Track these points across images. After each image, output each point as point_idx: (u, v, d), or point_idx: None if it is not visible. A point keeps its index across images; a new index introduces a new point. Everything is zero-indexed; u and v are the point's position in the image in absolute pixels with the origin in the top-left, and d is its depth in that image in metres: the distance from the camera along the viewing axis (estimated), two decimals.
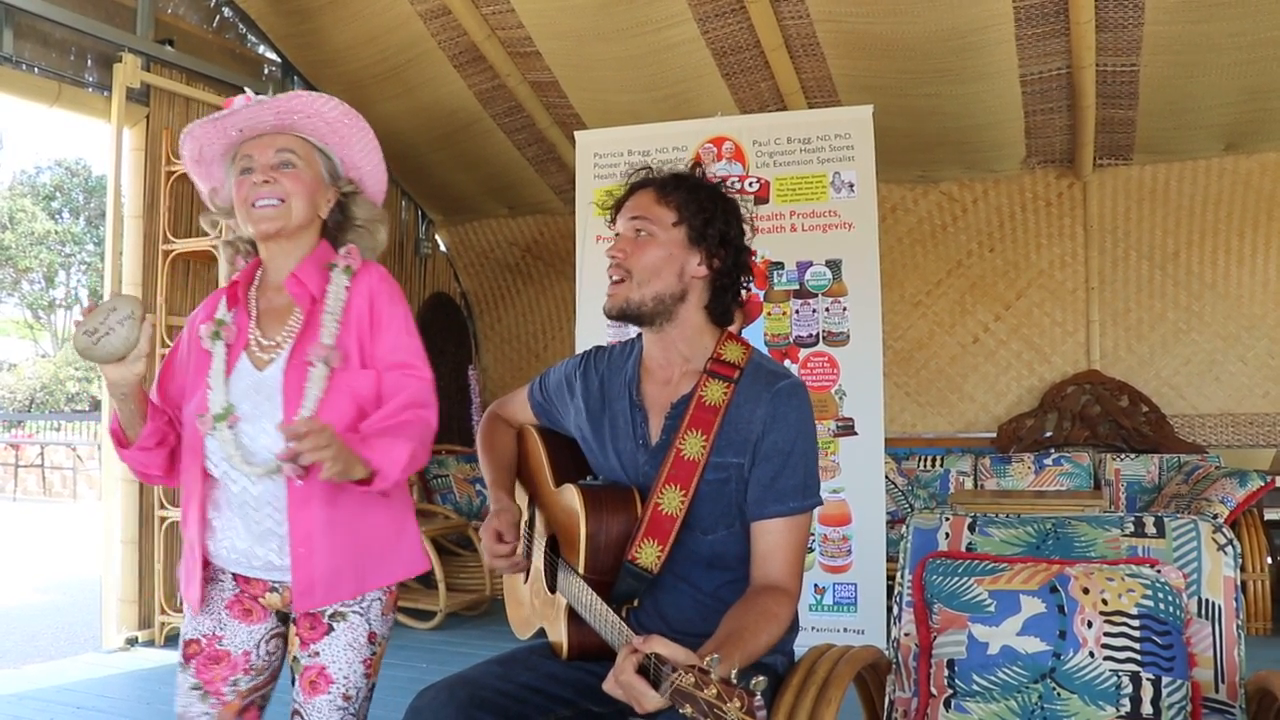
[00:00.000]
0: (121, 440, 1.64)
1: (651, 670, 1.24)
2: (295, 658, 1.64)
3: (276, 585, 1.62)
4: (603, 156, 4.35)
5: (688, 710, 1.15)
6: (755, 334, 4.04)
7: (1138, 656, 1.63)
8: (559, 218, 6.52)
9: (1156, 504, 5.02)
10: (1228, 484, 4.53)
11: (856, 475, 3.94)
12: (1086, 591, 1.69)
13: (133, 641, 4.34)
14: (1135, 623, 1.65)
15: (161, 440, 1.64)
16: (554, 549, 1.74)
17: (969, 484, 5.43)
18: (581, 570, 1.58)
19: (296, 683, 1.63)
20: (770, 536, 1.57)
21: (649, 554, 1.58)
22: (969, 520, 1.96)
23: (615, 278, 1.65)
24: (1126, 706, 1.60)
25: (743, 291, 1.72)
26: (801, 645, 1.72)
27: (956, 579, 1.79)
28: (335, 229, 1.73)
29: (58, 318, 25.93)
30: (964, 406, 6.00)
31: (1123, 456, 5.34)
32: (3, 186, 24.08)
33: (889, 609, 2.57)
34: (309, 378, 1.56)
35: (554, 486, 1.77)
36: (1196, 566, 1.77)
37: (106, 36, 4.34)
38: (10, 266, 23.70)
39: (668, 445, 1.62)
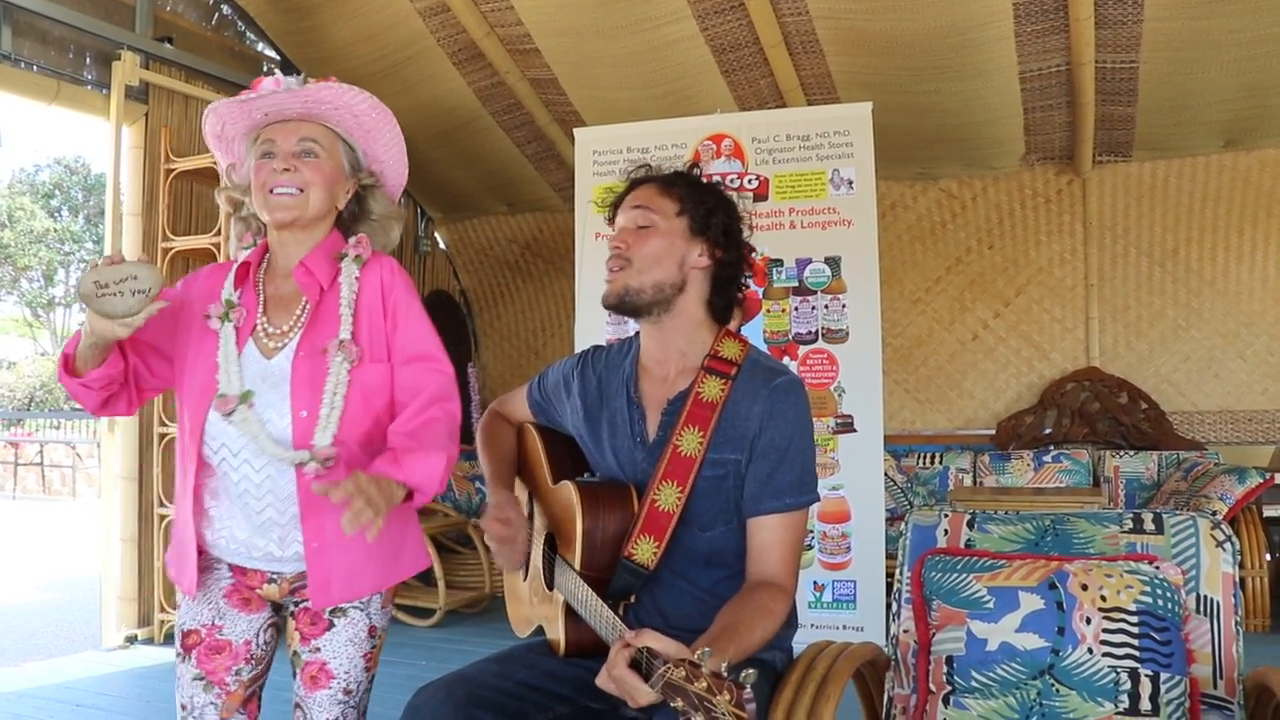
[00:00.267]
0: (69, 367, 1.54)
1: (644, 664, 1.24)
2: (296, 652, 1.63)
3: (274, 576, 1.61)
4: (602, 154, 4.35)
5: (678, 703, 1.15)
6: (754, 331, 4.05)
7: (1136, 653, 1.63)
8: (558, 215, 6.51)
9: (1155, 501, 5.02)
10: (1226, 481, 4.53)
11: (855, 472, 3.94)
12: (1085, 588, 1.69)
13: (132, 639, 4.34)
14: (1134, 619, 1.65)
15: (106, 386, 1.56)
16: (552, 546, 1.74)
17: (968, 481, 5.43)
18: (578, 566, 1.58)
19: (297, 677, 1.63)
20: (766, 532, 1.57)
21: (645, 550, 1.58)
22: (968, 517, 1.96)
23: (615, 267, 1.65)
24: (1125, 703, 1.60)
25: (742, 288, 1.72)
26: (800, 642, 1.72)
27: (955, 575, 1.79)
28: (350, 220, 1.71)
29: (57, 316, 25.94)
30: (963, 403, 6.00)
31: (1122, 453, 5.34)
32: (2, 184, 24.11)
33: (888, 606, 2.57)
34: (329, 373, 1.54)
35: (552, 484, 1.77)
36: (1195, 563, 1.78)
37: (105, 34, 4.34)
38: (9, 265, 23.71)
39: (665, 442, 1.61)
